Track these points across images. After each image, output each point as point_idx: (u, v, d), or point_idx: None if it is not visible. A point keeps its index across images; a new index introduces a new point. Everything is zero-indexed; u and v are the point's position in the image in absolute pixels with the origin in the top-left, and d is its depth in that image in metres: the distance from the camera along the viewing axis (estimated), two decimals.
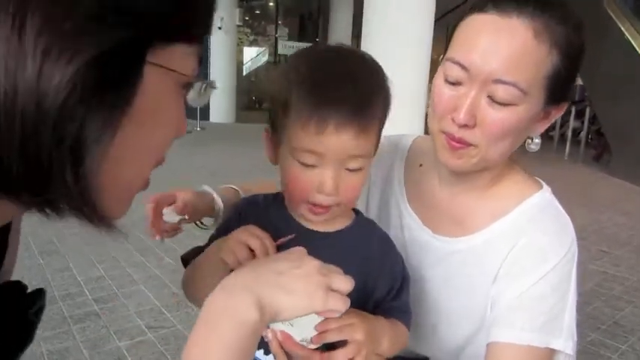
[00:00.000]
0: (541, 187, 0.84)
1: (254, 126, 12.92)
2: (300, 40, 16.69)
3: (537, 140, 0.80)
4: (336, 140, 0.61)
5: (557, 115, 0.78)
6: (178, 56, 0.40)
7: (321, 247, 0.67)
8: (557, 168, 6.91)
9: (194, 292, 0.77)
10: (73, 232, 3.51)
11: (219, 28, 12.97)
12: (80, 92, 0.32)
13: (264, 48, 18.09)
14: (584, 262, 3.53)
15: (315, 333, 0.60)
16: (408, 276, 0.76)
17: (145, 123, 0.40)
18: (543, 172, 0.80)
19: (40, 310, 0.57)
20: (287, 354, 0.60)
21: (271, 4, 17.10)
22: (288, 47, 15.60)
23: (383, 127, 0.69)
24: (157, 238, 0.83)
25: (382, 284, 0.73)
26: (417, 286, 0.84)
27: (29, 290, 0.56)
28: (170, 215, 0.83)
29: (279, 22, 16.53)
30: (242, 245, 0.64)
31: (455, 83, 0.73)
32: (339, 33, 14.15)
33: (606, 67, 7.06)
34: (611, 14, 7.41)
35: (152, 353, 2.08)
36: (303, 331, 0.60)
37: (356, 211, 0.77)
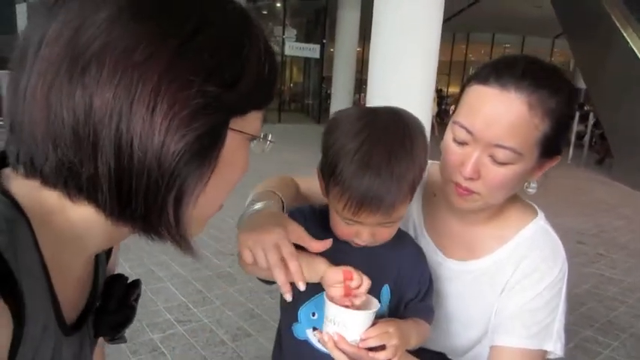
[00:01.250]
0: (536, 213, 0.99)
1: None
2: (307, 41, 16.83)
3: (534, 184, 0.93)
4: (373, 219, 0.77)
5: (550, 165, 0.90)
6: (251, 120, 0.53)
7: (359, 257, 0.83)
8: (561, 171, 7.04)
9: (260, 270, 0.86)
10: None
11: None
12: (187, 158, 0.45)
13: None
14: (581, 265, 3.72)
15: (362, 334, 0.75)
16: (432, 282, 0.94)
17: (224, 171, 0.51)
18: (547, 174, 0.91)
19: (138, 296, 0.70)
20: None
21: (278, 5, 17.22)
22: (295, 48, 15.73)
23: (419, 184, 0.81)
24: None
25: (412, 289, 0.89)
26: (434, 297, 1.01)
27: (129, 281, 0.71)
28: None
29: (286, 23, 16.64)
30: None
31: (462, 143, 0.86)
32: (346, 34, 14.25)
33: (609, 71, 7.20)
34: (615, 20, 7.55)
35: (183, 345, 2.29)
36: (353, 332, 0.74)
37: None
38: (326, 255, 0.84)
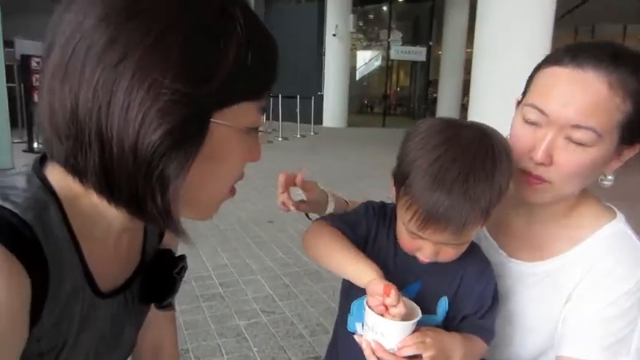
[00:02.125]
0: (615, 215, 0.88)
1: (364, 130, 13.17)
2: (413, 44, 16.61)
3: (610, 177, 0.85)
4: (439, 238, 0.75)
5: (629, 155, 0.83)
6: (241, 111, 0.54)
7: (429, 267, 0.82)
8: None
9: (321, 262, 0.89)
10: (205, 228, 4.07)
11: (334, 35, 13.46)
12: (163, 150, 0.48)
13: (377, 52, 18.26)
14: None
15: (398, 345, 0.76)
16: (497, 300, 0.86)
17: (213, 160, 0.54)
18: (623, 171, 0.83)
19: (183, 269, 0.74)
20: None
21: (385, 8, 17.21)
22: (401, 52, 15.60)
23: (495, 208, 0.76)
24: (284, 208, 0.94)
25: (471, 304, 0.85)
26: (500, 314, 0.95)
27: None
28: (295, 192, 0.97)
29: (393, 26, 16.56)
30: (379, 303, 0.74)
31: (533, 124, 0.80)
32: (454, 37, 13.83)
33: None
34: None
35: (265, 334, 2.42)
36: (390, 341, 0.74)
37: None
38: (390, 253, 0.87)
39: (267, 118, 11.12)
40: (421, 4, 17.10)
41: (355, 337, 0.81)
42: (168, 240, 0.82)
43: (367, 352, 0.76)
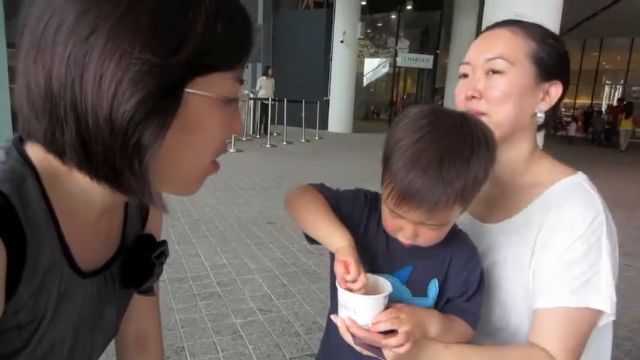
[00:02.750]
0: (575, 173, 0.95)
1: (370, 136, 13.19)
2: (421, 52, 16.64)
3: (541, 114, 0.97)
4: (413, 216, 0.76)
5: (556, 93, 0.96)
6: (216, 82, 0.55)
7: (419, 251, 0.84)
8: None
9: (297, 219, 0.90)
10: (205, 229, 4.09)
11: (342, 41, 13.50)
12: (137, 119, 0.49)
13: (384, 60, 18.31)
14: None
15: (373, 318, 0.76)
16: (483, 284, 0.88)
17: (189, 130, 0.55)
18: None
19: (162, 254, 0.75)
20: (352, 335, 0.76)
21: (393, 17, 17.26)
22: (408, 59, 15.65)
23: (472, 198, 0.79)
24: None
25: (457, 287, 0.86)
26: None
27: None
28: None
29: (401, 34, 16.61)
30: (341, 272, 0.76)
31: (464, 76, 0.98)
32: (461, 45, 13.83)
33: None
34: None
35: (260, 331, 2.41)
36: (363, 317, 0.75)
37: None
38: (382, 240, 0.88)
39: (272, 122, 11.17)
40: (430, 13, 17.14)
41: (331, 317, 0.82)
42: (152, 227, 0.83)
43: (342, 330, 0.77)
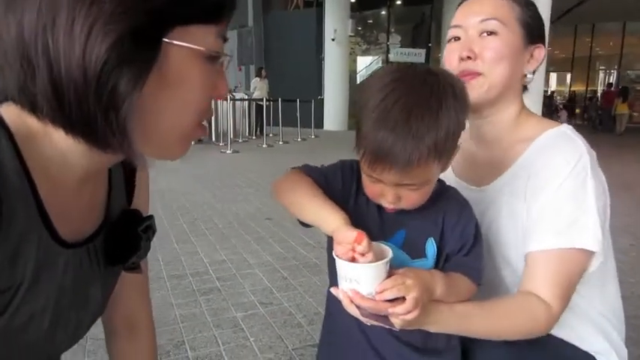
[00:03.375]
0: (560, 124, 0.98)
1: None
2: (413, 46, 16.64)
3: (530, 75, 1.01)
4: (389, 176, 0.75)
5: (540, 56, 1.00)
6: (197, 34, 0.54)
7: (412, 213, 0.82)
8: None
9: (288, 206, 0.86)
10: (204, 227, 4.05)
11: (333, 39, 13.51)
12: (111, 65, 0.47)
13: (377, 56, 18.32)
14: None
15: (377, 287, 0.70)
16: (480, 237, 0.87)
17: (169, 85, 0.53)
18: None
19: (149, 228, 0.73)
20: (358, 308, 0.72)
21: (383, 13, 17.27)
22: (400, 54, 15.64)
23: (450, 149, 0.78)
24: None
25: (454, 242, 0.84)
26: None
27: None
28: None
29: (392, 30, 16.61)
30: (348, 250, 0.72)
31: (456, 39, 0.99)
32: None
33: None
34: None
35: (262, 324, 2.37)
36: (367, 286, 0.70)
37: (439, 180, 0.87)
38: (373, 208, 0.85)
39: (268, 123, 11.15)
40: (419, 7, 17.15)
41: (332, 290, 0.78)
42: (138, 203, 0.80)
43: (345, 303, 0.73)
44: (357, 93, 0.80)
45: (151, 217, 0.77)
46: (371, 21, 17.93)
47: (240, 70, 16.16)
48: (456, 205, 0.88)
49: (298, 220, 0.86)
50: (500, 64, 0.94)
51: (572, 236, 0.84)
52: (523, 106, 1.01)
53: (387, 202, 0.80)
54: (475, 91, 0.94)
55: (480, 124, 1.02)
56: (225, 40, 0.59)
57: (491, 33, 0.94)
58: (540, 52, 1.00)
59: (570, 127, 0.97)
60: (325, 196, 0.82)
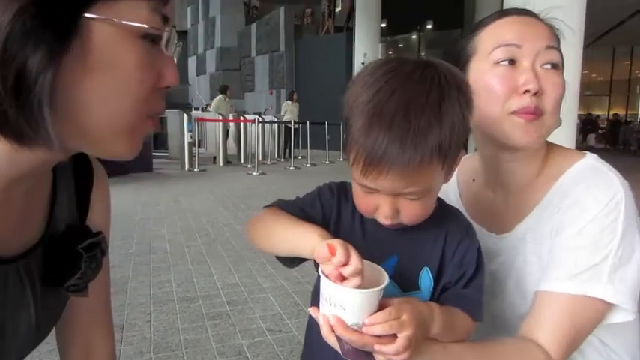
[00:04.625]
0: (584, 155, 0.85)
1: None
2: None
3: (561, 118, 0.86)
4: (386, 183, 0.63)
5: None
6: (126, 9, 0.47)
7: (404, 237, 0.72)
8: None
9: (262, 244, 0.77)
10: (221, 249, 4.00)
11: (362, 63, 13.55)
12: (16, 36, 0.41)
13: None
14: None
15: (366, 318, 0.59)
16: (482, 266, 0.75)
17: (97, 68, 0.47)
18: None
19: (94, 246, 0.65)
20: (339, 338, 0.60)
21: (414, 37, 17.26)
22: None
23: (454, 152, 0.66)
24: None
25: (452, 270, 0.73)
26: (494, 281, 0.88)
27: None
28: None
29: (422, 54, 16.54)
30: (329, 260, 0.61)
31: (509, 60, 0.79)
32: None
33: None
34: None
35: (268, 353, 2.26)
36: (353, 315, 0.59)
37: (438, 199, 0.77)
38: (358, 232, 0.75)
39: (297, 146, 11.16)
40: (450, 32, 17.06)
41: (311, 311, 0.66)
42: (95, 219, 0.72)
43: (324, 331, 0.61)
44: (346, 91, 0.69)
45: (99, 234, 0.68)
46: (401, 45, 17.94)
47: (271, 93, 16.39)
48: (457, 227, 0.76)
49: (280, 260, 0.77)
50: (559, 106, 0.81)
51: (585, 283, 0.73)
52: (545, 144, 0.88)
53: (384, 217, 0.68)
54: (535, 134, 0.79)
55: (500, 171, 0.89)
56: (166, 19, 0.51)
57: (554, 64, 0.80)
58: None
59: (595, 156, 0.85)
60: (301, 221, 0.72)
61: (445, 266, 0.73)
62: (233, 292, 3.01)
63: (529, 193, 0.86)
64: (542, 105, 0.78)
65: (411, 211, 0.67)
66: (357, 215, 0.75)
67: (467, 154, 1.08)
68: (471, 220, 0.92)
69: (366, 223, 0.75)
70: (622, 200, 0.74)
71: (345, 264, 0.59)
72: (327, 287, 0.61)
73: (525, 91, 0.77)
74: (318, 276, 0.64)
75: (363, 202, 0.70)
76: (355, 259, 0.59)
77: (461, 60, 0.87)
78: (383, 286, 0.60)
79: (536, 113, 0.78)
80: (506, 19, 0.83)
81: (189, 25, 21.94)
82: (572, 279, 0.73)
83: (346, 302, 0.59)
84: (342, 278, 0.60)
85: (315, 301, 0.69)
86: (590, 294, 0.72)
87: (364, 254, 0.67)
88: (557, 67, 0.80)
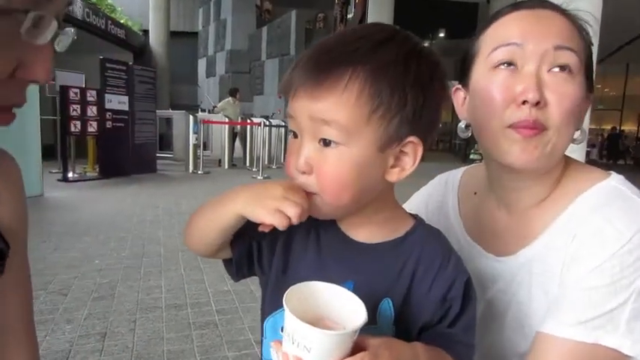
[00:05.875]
0: (608, 175, 0.73)
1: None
2: (455, 79, 16.45)
3: (582, 133, 0.76)
4: (296, 103, 0.57)
5: (588, 107, 0.74)
6: None
7: (364, 260, 0.63)
8: None
9: (194, 233, 0.70)
10: None
11: None
12: None
13: None
14: None
15: None
16: (472, 300, 0.63)
17: None
18: None
19: None
20: None
21: (426, 45, 17.21)
22: None
23: (390, 110, 0.56)
24: None
25: (429, 310, 0.62)
26: (491, 311, 0.78)
27: None
28: None
29: None
30: (280, 213, 0.56)
31: (508, 66, 0.69)
32: None
33: None
34: None
35: None
36: (321, 357, 0.50)
37: (415, 217, 0.68)
38: (310, 252, 0.65)
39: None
40: (462, 41, 16.97)
41: (272, 347, 0.55)
42: (9, 222, 0.62)
43: None
44: None
45: None
46: None
47: (279, 97, 16.35)
48: (435, 251, 0.63)
49: (227, 269, 0.73)
50: (571, 118, 0.68)
51: (598, 330, 0.62)
52: (562, 159, 0.77)
53: (299, 170, 0.58)
54: (536, 152, 0.68)
55: (505, 188, 0.79)
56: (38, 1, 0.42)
57: (565, 68, 0.67)
58: (589, 103, 0.75)
59: (621, 177, 0.73)
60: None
61: (416, 301, 0.62)
62: (224, 300, 2.92)
63: (538, 213, 0.76)
64: (545, 118, 0.67)
65: (324, 165, 0.56)
66: (314, 230, 0.65)
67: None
68: (467, 237, 0.84)
69: (322, 239, 0.65)
70: None
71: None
72: (290, 323, 0.51)
73: (524, 102, 0.66)
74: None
75: (288, 153, 0.61)
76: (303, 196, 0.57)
77: (465, 63, 0.77)
78: (358, 326, 0.50)
79: (537, 128, 0.67)
80: (516, 13, 0.72)
81: (200, 27, 21.98)
82: (583, 324, 0.62)
83: (312, 343, 0.49)
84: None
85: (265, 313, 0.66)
86: (603, 343, 0.61)
87: (317, 275, 0.58)
88: (570, 70, 0.67)
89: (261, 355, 0.70)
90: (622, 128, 19.96)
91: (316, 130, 0.56)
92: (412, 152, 0.59)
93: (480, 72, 0.73)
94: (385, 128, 0.56)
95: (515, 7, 0.72)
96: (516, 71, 0.68)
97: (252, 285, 3.18)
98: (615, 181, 0.72)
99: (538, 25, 0.69)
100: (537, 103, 0.66)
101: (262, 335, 0.70)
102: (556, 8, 0.71)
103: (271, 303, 0.67)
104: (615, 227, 0.64)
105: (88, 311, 2.62)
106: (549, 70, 0.67)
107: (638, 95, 18.65)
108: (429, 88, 0.58)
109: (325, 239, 0.65)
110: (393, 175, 0.60)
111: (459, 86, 0.79)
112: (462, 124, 0.81)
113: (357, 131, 0.56)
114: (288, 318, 0.51)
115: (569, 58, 0.67)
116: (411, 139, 0.58)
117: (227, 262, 0.72)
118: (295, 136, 0.60)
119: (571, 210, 0.71)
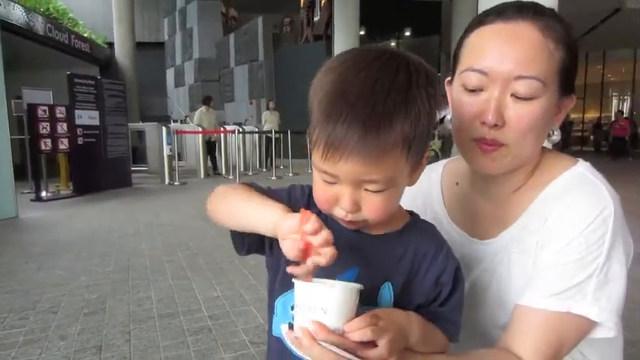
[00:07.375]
0: (575, 162, 0.82)
1: None
2: None
3: (557, 131, 0.83)
4: (346, 168, 0.60)
5: (569, 107, 0.80)
6: None
7: (368, 249, 0.70)
8: None
9: (220, 215, 0.77)
10: (203, 262, 3.93)
11: None
12: None
13: None
14: None
15: (345, 324, 0.57)
16: (460, 284, 0.73)
17: None
18: None
19: None
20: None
21: (393, 44, 17.42)
22: None
23: (419, 145, 0.63)
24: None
25: (425, 291, 0.71)
26: (475, 290, 0.87)
27: None
28: None
29: None
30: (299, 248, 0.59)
31: (475, 90, 0.76)
32: None
33: None
34: None
35: None
36: (333, 317, 0.57)
37: (412, 213, 0.77)
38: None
39: (278, 156, 11.12)
40: (428, 38, 17.31)
41: (284, 334, 0.64)
42: None
43: (305, 342, 0.56)
44: (312, 84, 0.65)
45: None
46: None
47: (251, 103, 16.34)
48: (429, 243, 0.73)
49: (233, 240, 0.78)
50: (530, 135, 0.76)
51: (569, 300, 0.72)
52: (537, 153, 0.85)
53: (344, 210, 0.64)
54: (496, 163, 0.78)
55: (489, 181, 0.87)
56: None
57: (527, 98, 0.73)
58: (570, 102, 0.80)
59: (587, 164, 0.82)
60: (266, 197, 0.71)
61: (413, 285, 0.71)
62: (215, 305, 2.96)
63: (515, 200, 0.85)
64: (504, 137, 0.75)
65: (373, 205, 0.63)
66: (324, 223, 0.74)
67: (439, 159, 1.07)
68: (453, 224, 0.93)
69: (332, 231, 0.73)
70: (611, 215, 0.72)
71: (317, 231, 0.58)
72: (304, 292, 0.59)
73: (483, 123, 0.75)
74: (272, 310, 0.64)
75: (323, 193, 0.65)
76: (326, 230, 0.59)
77: (453, 63, 0.85)
78: (360, 286, 0.60)
79: (495, 144, 0.76)
80: (492, 27, 0.77)
81: (166, 37, 21.76)
82: (556, 296, 0.72)
83: (327, 302, 0.57)
84: (306, 256, 0.59)
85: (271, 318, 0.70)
86: (574, 311, 0.71)
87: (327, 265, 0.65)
88: (531, 97, 0.73)
89: (270, 330, 0.76)
90: (573, 117, 20.62)
91: (360, 184, 0.62)
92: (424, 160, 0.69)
93: (455, 85, 0.81)
94: (416, 159, 0.65)
95: (497, 15, 0.77)
96: (481, 94, 0.76)
97: (242, 289, 3.24)
98: (582, 167, 0.81)
99: (504, 50, 0.73)
100: (495, 125, 0.74)
101: (273, 313, 0.75)
102: (531, 18, 0.74)
103: (282, 285, 0.73)
104: (581, 209, 0.73)
105: (80, 326, 2.63)
106: (512, 95, 0.74)
107: (598, 83, 19.39)
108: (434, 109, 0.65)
109: (335, 231, 0.73)
110: (412, 181, 0.69)
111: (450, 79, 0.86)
112: (448, 116, 0.88)
113: (400, 175, 0.64)
114: (302, 288, 0.59)
115: (528, 88, 0.72)
116: (426, 154, 0.68)
117: (236, 235, 0.77)
118: (328, 181, 0.64)
119: (543, 195, 0.80)
